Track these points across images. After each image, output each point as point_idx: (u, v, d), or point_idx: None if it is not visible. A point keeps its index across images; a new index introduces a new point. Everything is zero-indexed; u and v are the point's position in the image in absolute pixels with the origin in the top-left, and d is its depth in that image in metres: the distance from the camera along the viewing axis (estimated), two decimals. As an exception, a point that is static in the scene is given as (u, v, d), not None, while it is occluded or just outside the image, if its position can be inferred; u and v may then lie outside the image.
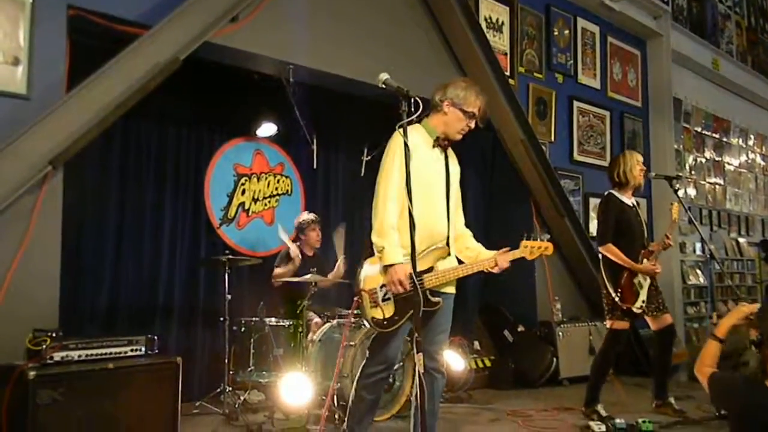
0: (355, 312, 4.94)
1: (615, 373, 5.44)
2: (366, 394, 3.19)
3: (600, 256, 4.67)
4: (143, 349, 3.74)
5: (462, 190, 7.00)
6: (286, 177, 6.44)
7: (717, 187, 9.97)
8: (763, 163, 11.31)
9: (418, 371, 2.55)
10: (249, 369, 4.84)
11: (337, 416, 4.43)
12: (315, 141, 5.99)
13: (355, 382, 3.29)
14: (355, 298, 3.09)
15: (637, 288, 4.50)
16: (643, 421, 4.16)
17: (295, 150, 6.43)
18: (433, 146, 3.20)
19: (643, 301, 4.51)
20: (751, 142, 11.04)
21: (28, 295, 3.63)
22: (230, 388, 4.78)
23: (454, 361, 5.55)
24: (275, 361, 4.79)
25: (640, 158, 4.75)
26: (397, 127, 2.84)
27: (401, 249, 2.97)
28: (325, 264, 5.59)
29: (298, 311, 4.93)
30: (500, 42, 6.77)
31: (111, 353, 3.58)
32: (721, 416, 4.39)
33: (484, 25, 6.46)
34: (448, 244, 3.19)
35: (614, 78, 8.27)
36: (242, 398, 4.77)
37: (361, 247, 6.62)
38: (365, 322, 3.14)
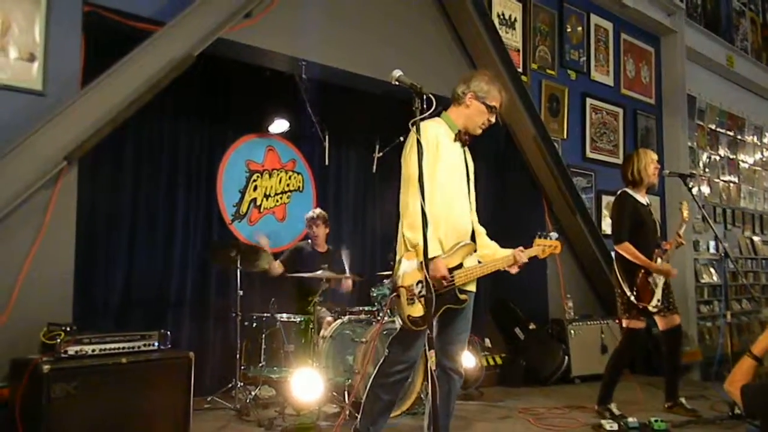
0: (367, 309, 5.00)
1: (628, 371, 5.40)
2: (383, 394, 3.08)
3: (614, 254, 4.64)
4: (156, 343, 3.76)
5: (474, 186, 7.04)
6: (298, 173, 6.45)
7: (731, 185, 9.90)
8: (777, 161, 11.23)
9: (430, 369, 2.54)
10: (260, 364, 4.86)
11: (348, 412, 4.44)
12: (327, 137, 6.00)
13: (371, 381, 3.15)
14: (393, 296, 2.97)
15: (652, 287, 4.47)
16: (656, 420, 4.14)
17: (307, 146, 6.44)
18: (455, 140, 3.17)
19: (659, 300, 4.48)
20: (765, 140, 10.96)
21: (42, 289, 3.66)
22: (241, 384, 4.79)
23: (465, 358, 5.55)
24: (286, 357, 4.80)
25: (655, 156, 4.71)
26: (410, 124, 2.84)
27: (437, 242, 2.95)
28: (336, 261, 5.60)
29: (309, 307, 4.95)
30: (513, 38, 6.75)
31: (124, 348, 3.60)
32: (734, 416, 4.36)
33: (496, 21, 6.44)
34: (473, 239, 3.17)
35: (627, 75, 8.22)
36: (253, 393, 4.78)
37: (373, 242, 6.65)
38: (396, 320, 3.01)
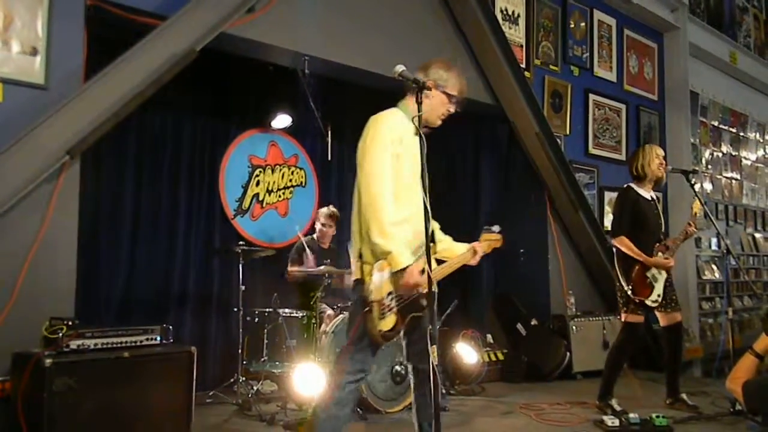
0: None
1: (628, 367, 5.41)
2: (338, 410, 2.80)
3: (613, 248, 4.65)
4: (158, 338, 3.77)
5: (477, 182, 7.04)
6: (301, 169, 6.45)
7: (733, 181, 9.88)
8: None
9: (432, 363, 2.53)
10: (262, 359, 4.87)
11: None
12: (329, 133, 6.00)
13: (321, 402, 2.88)
14: (365, 311, 2.74)
15: (651, 281, 4.48)
16: (657, 416, 4.14)
17: (310, 142, 6.45)
18: (415, 133, 2.89)
19: (659, 295, 4.48)
20: (768, 137, 10.93)
21: (45, 283, 3.66)
22: (243, 378, 4.81)
23: (467, 353, 5.56)
24: (288, 352, 4.81)
25: (660, 152, 4.71)
26: (412, 119, 2.82)
27: (408, 248, 2.77)
28: (340, 257, 5.60)
29: (311, 303, 4.96)
30: (516, 34, 6.73)
31: (126, 342, 3.61)
32: (735, 412, 4.37)
33: (500, 16, 6.42)
34: (434, 240, 2.98)
35: (630, 71, 8.20)
36: (255, 388, 4.80)
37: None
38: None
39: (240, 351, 4.83)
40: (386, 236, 2.70)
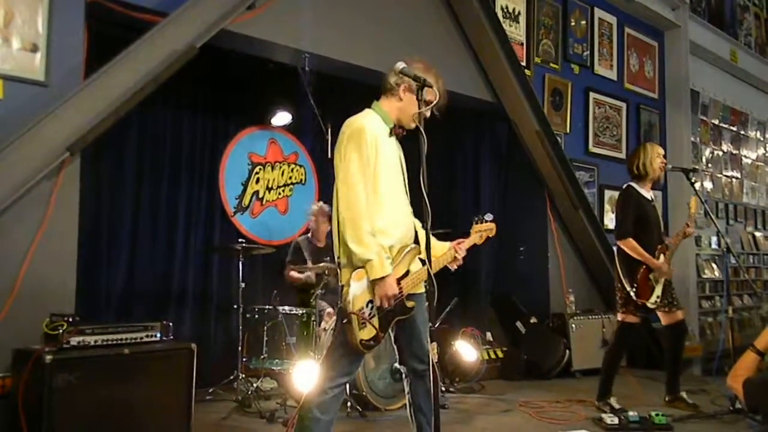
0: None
1: (628, 365, 5.42)
2: (320, 414, 2.76)
3: (615, 249, 4.64)
4: (158, 335, 3.77)
5: (477, 180, 7.03)
6: (300, 166, 6.45)
7: (734, 180, 9.88)
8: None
9: (432, 360, 2.53)
10: (262, 356, 4.87)
11: (349, 404, 4.45)
12: (329, 130, 5.99)
13: (304, 404, 2.84)
14: (344, 323, 2.70)
15: (652, 283, 4.47)
16: (656, 414, 4.15)
17: (310, 139, 6.45)
18: (390, 135, 2.90)
19: (658, 296, 4.48)
20: (768, 135, 10.93)
21: (45, 279, 3.66)
22: (243, 376, 4.81)
23: (467, 351, 5.57)
24: (288, 349, 4.81)
25: (661, 151, 4.69)
26: (414, 116, 2.82)
27: (386, 257, 2.71)
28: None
29: (310, 300, 4.96)
30: (516, 32, 6.73)
31: (127, 339, 3.61)
32: (734, 410, 4.37)
33: (500, 14, 6.41)
34: (416, 241, 2.93)
35: (631, 69, 8.19)
36: (255, 385, 4.80)
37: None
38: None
39: (240, 348, 4.84)
40: (364, 245, 2.66)
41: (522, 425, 4.37)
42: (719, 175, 9.54)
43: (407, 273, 2.83)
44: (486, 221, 3.18)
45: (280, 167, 6.29)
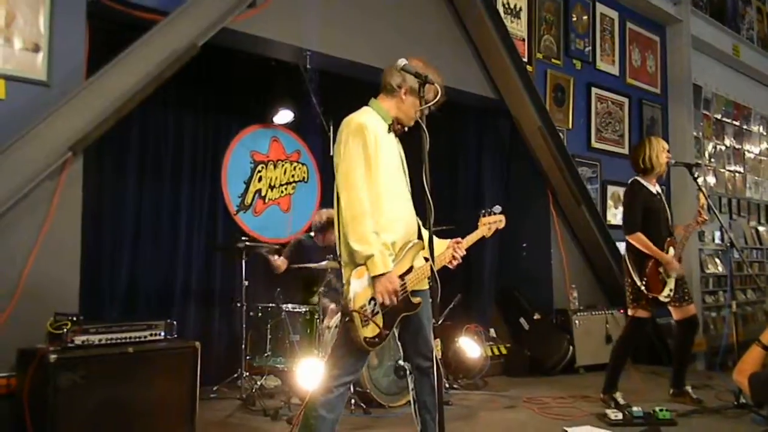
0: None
1: (631, 361, 5.41)
2: (326, 413, 2.75)
3: (625, 244, 4.62)
4: (162, 333, 3.77)
5: (479, 177, 7.02)
6: (303, 164, 6.45)
7: (737, 175, 9.86)
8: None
9: (436, 358, 2.53)
10: (266, 354, 4.88)
11: (353, 401, 4.46)
12: (331, 128, 5.99)
13: (309, 402, 2.83)
14: (346, 321, 2.70)
15: (663, 277, 4.46)
16: (660, 410, 4.14)
17: (312, 137, 6.45)
18: (389, 131, 2.90)
19: (671, 290, 4.45)
20: (771, 130, 10.90)
21: (48, 279, 3.67)
22: (247, 373, 4.82)
23: (470, 348, 5.57)
24: (291, 347, 4.82)
25: (666, 145, 4.68)
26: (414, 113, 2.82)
27: (387, 253, 2.71)
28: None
29: (313, 298, 4.96)
30: (518, 28, 6.72)
31: (131, 337, 3.62)
32: (739, 405, 4.37)
33: (501, 10, 6.40)
34: (420, 237, 2.92)
35: (633, 64, 8.17)
36: (259, 383, 4.81)
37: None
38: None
39: (243, 346, 4.85)
40: (365, 242, 2.66)
41: (526, 421, 4.37)
42: (722, 170, 9.52)
43: (411, 269, 2.82)
44: (495, 213, 3.16)
45: (283, 165, 6.29)
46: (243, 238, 5.17)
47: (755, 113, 10.43)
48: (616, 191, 7.42)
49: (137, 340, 3.64)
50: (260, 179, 6.11)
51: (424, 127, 2.66)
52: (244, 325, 4.87)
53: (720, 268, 8.90)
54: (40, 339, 3.50)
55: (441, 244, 3.00)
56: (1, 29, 3.75)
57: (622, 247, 4.78)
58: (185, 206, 5.52)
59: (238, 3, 4.33)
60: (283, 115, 6.01)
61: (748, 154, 10.20)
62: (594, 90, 7.54)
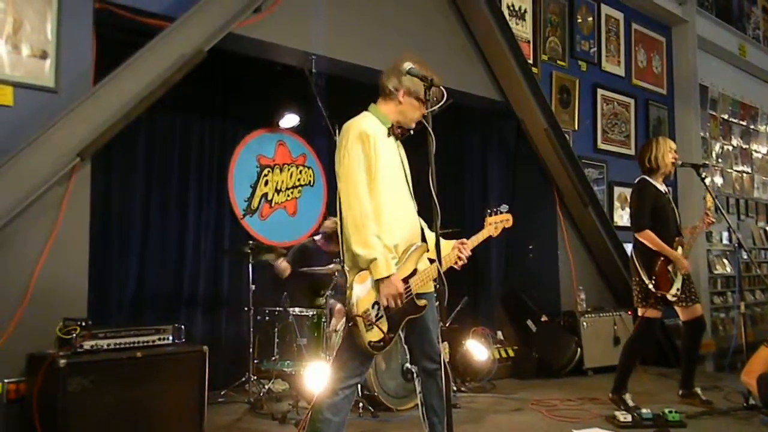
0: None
1: (641, 362, 5.40)
2: (332, 416, 2.75)
3: (633, 242, 4.61)
4: (170, 338, 3.79)
5: (485, 179, 7.02)
6: (309, 168, 6.47)
7: (744, 175, 9.83)
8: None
9: (444, 361, 2.53)
10: (273, 358, 4.89)
11: (360, 405, 4.46)
12: (337, 132, 5.99)
13: (315, 404, 2.84)
14: (350, 326, 2.70)
15: (671, 275, 4.44)
16: (670, 411, 4.13)
17: (318, 141, 6.46)
18: (388, 135, 2.91)
19: (678, 289, 4.44)
20: (778, 129, 10.86)
21: (57, 284, 3.69)
22: (255, 377, 4.83)
23: (478, 350, 5.56)
24: (299, 351, 4.82)
25: (674, 145, 4.67)
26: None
27: (390, 257, 2.72)
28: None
29: (320, 301, 4.97)
30: (523, 30, 6.72)
31: (139, 342, 3.64)
32: (748, 407, 4.34)
33: (506, 12, 6.41)
34: (423, 240, 2.94)
35: (639, 65, 8.16)
36: (267, 387, 4.82)
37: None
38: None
39: (251, 350, 4.85)
40: (368, 246, 2.67)
41: (535, 424, 4.36)
42: (729, 170, 9.49)
43: (415, 271, 2.83)
44: (501, 212, 3.15)
45: (289, 169, 6.31)
46: (250, 242, 5.18)
47: (762, 113, 10.39)
48: (622, 192, 7.41)
49: (146, 344, 3.66)
50: (266, 183, 6.12)
51: (430, 129, 2.65)
52: (251, 329, 4.88)
53: (728, 269, 8.87)
54: (50, 344, 3.53)
55: (447, 245, 2.99)
56: (8, 36, 3.78)
57: (629, 248, 4.76)
58: (192, 210, 5.54)
59: (244, 8, 4.35)
60: (289, 119, 6.03)
61: (755, 154, 10.17)
62: (600, 91, 7.53)
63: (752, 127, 10.15)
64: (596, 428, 4.09)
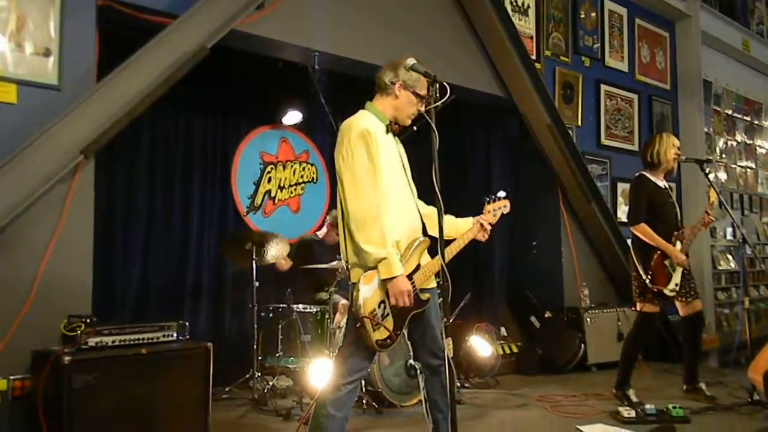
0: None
1: (644, 358, 5.39)
2: (335, 411, 2.76)
3: (630, 237, 4.62)
4: (175, 334, 3.79)
5: (488, 175, 7.02)
6: (312, 165, 6.47)
7: (748, 170, 9.80)
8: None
9: (448, 357, 2.53)
10: (277, 354, 4.90)
11: (364, 401, 4.46)
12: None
13: (318, 400, 2.84)
14: (358, 326, 2.73)
15: (669, 270, 4.43)
16: (674, 407, 4.13)
17: (321, 137, 6.46)
18: (387, 132, 2.92)
19: (676, 284, 4.44)
20: (783, 125, 10.82)
21: (62, 281, 3.70)
22: (259, 374, 4.83)
23: (481, 347, 5.57)
24: (303, 347, 4.84)
25: (677, 142, 4.67)
26: (423, 111, 2.82)
27: (397, 255, 2.75)
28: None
29: (323, 297, 4.97)
30: (526, 25, 6.70)
31: (144, 339, 3.64)
32: (753, 402, 4.34)
33: (509, 8, 6.39)
34: (425, 234, 2.95)
35: (642, 60, 8.14)
36: (271, 383, 4.83)
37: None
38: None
39: (255, 347, 4.86)
40: (377, 244, 2.68)
41: (539, 419, 4.36)
42: (733, 166, 9.46)
43: (418, 267, 2.85)
44: (499, 198, 3.16)
45: (292, 166, 6.31)
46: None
47: (766, 108, 10.36)
48: (626, 188, 7.35)
49: (150, 341, 3.66)
50: (270, 180, 6.13)
51: (433, 125, 2.66)
52: (255, 326, 4.88)
53: (732, 265, 8.85)
54: (54, 341, 3.54)
55: (464, 223, 3.05)
56: (12, 34, 3.78)
57: (631, 243, 4.76)
58: (196, 207, 5.55)
59: (247, 5, 4.35)
60: (292, 116, 6.03)
61: (759, 150, 10.14)
62: (603, 87, 7.51)
63: (756, 122, 10.11)
64: (600, 424, 4.09)
